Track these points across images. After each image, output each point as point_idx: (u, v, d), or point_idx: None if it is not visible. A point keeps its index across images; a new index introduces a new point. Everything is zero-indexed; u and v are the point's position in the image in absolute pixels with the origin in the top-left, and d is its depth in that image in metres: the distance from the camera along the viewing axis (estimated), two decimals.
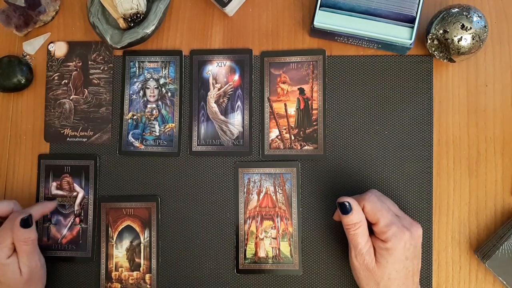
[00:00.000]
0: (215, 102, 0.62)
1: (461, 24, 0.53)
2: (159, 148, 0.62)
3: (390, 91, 0.60)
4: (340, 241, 0.59)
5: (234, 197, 0.60)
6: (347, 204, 0.50)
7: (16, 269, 0.54)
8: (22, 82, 0.63)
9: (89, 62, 0.64)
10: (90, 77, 0.64)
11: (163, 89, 0.63)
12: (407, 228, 0.50)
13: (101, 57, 0.64)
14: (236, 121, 0.61)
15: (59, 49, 0.64)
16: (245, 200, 0.60)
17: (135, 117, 0.63)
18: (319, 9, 0.57)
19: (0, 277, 0.54)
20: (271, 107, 0.61)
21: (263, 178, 0.60)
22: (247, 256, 0.59)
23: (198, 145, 0.61)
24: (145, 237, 0.61)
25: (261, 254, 0.59)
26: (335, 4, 0.57)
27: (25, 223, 0.54)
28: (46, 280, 0.61)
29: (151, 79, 0.63)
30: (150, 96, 0.63)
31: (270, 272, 0.59)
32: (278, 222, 0.59)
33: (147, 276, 0.60)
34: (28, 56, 0.65)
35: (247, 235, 0.60)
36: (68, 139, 0.63)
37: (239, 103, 0.61)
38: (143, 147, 0.62)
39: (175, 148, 0.61)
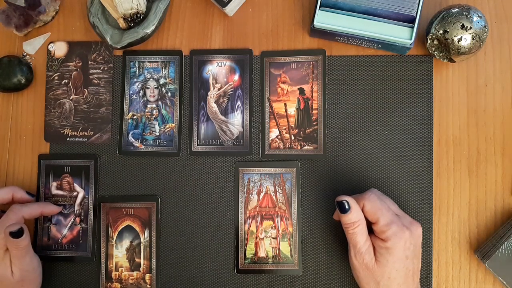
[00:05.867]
0: (215, 102, 0.62)
1: (461, 24, 0.53)
2: (159, 148, 0.62)
3: (390, 91, 0.60)
4: (340, 241, 0.59)
5: (234, 197, 0.60)
6: (345, 202, 0.50)
7: (8, 269, 0.54)
8: (22, 82, 0.63)
9: (89, 62, 0.64)
10: (90, 77, 0.64)
11: (163, 89, 0.63)
12: (407, 227, 0.50)
13: (101, 57, 0.64)
14: (236, 121, 0.61)
15: (59, 49, 0.64)
16: (245, 200, 0.60)
17: (135, 117, 0.63)
18: (319, 9, 0.57)
19: None
20: (271, 107, 0.61)
21: (263, 178, 0.60)
22: (247, 256, 0.59)
23: (198, 145, 0.61)
24: (145, 237, 0.61)
25: (261, 254, 0.59)
26: (335, 4, 0.57)
27: (16, 234, 0.53)
28: (46, 280, 0.61)
29: (151, 79, 0.63)
30: (150, 96, 0.63)
31: (270, 272, 0.59)
32: (278, 222, 0.59)
33: (147, 276, 0.60)
34: (28, 56, 0.65)
35: (247, 235, 0.60)
36: (68, 139, 0.63)
37: (239, 103, 0.61)
38: (143, 147, 0.62)
39: (175, 148, 0.61)
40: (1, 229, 0.53)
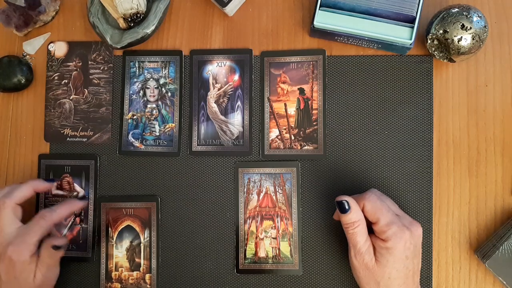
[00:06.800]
0: (215, 102, 0.62)
1: (461, 24, 0.53)
2: (159, 148, 0.62)
3: (390, 91, 0.60)
4: (340, 241, 0.59)
5: (234, 197, 0.60)
6: (345, 202, 0.50)
7: (32, 273, 0.54)
8: (22, 82, 0.63)
9: (89, 62, 0.64)
10: (90, 77, 0.64)
11: (163, 89, 0.63)
12: (407, 227, 0.50)
13: (101, 57, 0.64)
14: (236, 121, 0.61)
15: (59, 49, 0.64)
16: (245, 200, 0.60)
17: (135, 117, 0.63)
18: (319, 9, 0.57)
19: (17, 273, 0.53)
20: (271, 107, 0.61)
21: (263, 178, 0.60)
22: (247, 256, 0.59)
23: (198, 145, 0.61)
24: (145, 237, 0.61)
25: (261, 254, 0.59)
26: (335, 4, 0.57)
27: (58, 248, 0.54)
28: None
29: (151, 79, 0.63)
30: (150, 96, 0.63)
31: (270, 272, 0.59)
32: (278, 222, 0.59)
33: (147, 276, 0.60)
34: (28, 56, 0.65)
35: (247, 235, 0.60)
36: (68, 139, 0.63)
37: (239, 103, 0.61)
38: (143, 147, 0.62)
39: (175, 148, 0.61)
40: (37, 232, 0.53)
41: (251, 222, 0.60)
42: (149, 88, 0.63)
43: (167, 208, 0.61)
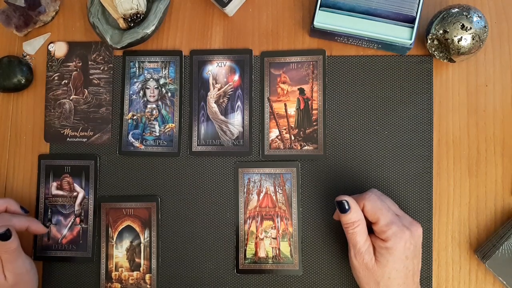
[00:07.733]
0: (215, 102, 0.62)
1: (461, 24, 0.53)
2: (159, 148, 0.62)
3: (390, 91, 0.60)
4: (340, 241, 0.59)
5: (234, 197, 0.60)
6: (345, 202, 0.50)
7: (1, 274, 0.53)
8: (22, 82, 0.63)
9: (89, 62, 0.64)
10: (90, 77, 0.64)
11: (163, 89, 0.63)
12: (407, 227, 0.50)
13: (101, 57, 0.64)
14: (236, 121, 0.61)
15: (59, 49, 0.64)
16: (245, 200, 0.60)
17: (135, 117, 0.63)
18: (319, 9, 0.57)
19: None
20: (271, 107, 0.61)
21: (263, 178, 0.60)
22: (247, 256, 0.59)
23: (198, 145, 0.61)
24: (145, 237, 0.61)
25: (261, 254, 0.59)
26: (335, 4, 0.57)
27: (3, 237, 0.52)
28: (46, 280, 0.61)
29: (151, 79, 0.63)
30: (150, 96, 0.63)
31: (270, 272, 0.59)
32: (278, 222, 0.59)
33: (147, 276, 0.60)
34: (28, 56, 0.65)
35: (247, 235, 0.60)
36: (68, 139, 0.63)
37: (239, 103, 0.61)
38: (143, 147, 0.62)
39: (175, 148, 0.61)
40: None
41: (251, 222, 0.60)
42: (149, 88, 0.63)
43: (167, 208, 0.61)
